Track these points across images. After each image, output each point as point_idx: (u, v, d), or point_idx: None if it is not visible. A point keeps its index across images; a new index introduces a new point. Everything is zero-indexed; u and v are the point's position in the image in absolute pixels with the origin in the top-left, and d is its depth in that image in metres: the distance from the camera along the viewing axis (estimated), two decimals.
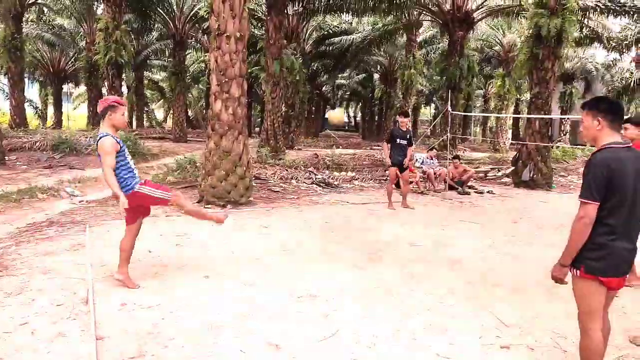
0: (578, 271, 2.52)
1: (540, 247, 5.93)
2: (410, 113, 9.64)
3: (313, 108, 38.18)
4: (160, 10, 20.93)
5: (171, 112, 28.32)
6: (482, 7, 17.89)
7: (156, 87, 41.51)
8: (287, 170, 11.74)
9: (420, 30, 24.20)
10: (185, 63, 25.10)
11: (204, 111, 20.10)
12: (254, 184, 9.17)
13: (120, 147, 3.86)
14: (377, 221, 7.16)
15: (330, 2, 16.38)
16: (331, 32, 25.20)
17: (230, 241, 5.71)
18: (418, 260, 5.23)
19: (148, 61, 31.39)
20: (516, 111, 26.87)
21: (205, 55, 24.08)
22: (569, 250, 2.53)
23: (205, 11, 14.22)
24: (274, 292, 4.09)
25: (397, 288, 4.31)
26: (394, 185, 9.60)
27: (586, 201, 2.43)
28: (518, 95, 24.17)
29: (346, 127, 57.38)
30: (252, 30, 20.51)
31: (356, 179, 11.54)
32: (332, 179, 11.15)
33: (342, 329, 3.43)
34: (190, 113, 40.23)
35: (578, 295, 2.58)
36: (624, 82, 20.96)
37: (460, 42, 17.00)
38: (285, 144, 17.76)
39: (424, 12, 18.76)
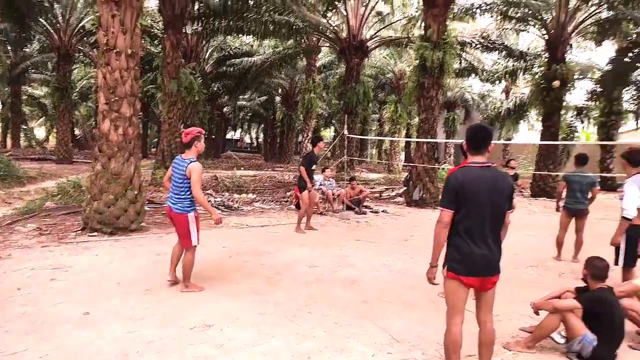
0: (445, 271, 2.94)
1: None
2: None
3: (214, 129, 37.40)
4: (43, 21, 19.19)
5: (54, 130, 25.83)
6: (375, 37, 19.09)
7: (36, 104, 37.69)
8: None
9: (320, 55, 25.10)
10: (72, 78, 23.21)
11: (94, 130, 18.70)
12: (147, 209, 8.65)
13: None
14: (277, 244, 7.11)
15: (231, 24, 16.29)
16: (232, 53, 25.07)
17: (116, 271, 5.27)
18: (316, 281, 5.28)
19: (27, 75, 28.48)
20: (408, 135, 28.82)
21: (95, 71, 22.52)
22: (433, 251, 2.96)
23: (92, 25, 13.37)
24: (165, 325, 3.84)
25: (295, 311, 4.29)
26: (294, 206, 9.76)
27: (441, 208, 2.90)
28: (409, 120, 25.97)
29: (248, 149, 57.20)
30: (148, 47, 19.69)
31: (257, 201, 11.43)
32: (231, 201, 10.92)
33: (237, 358, 3.31)
34: (77, 132, 37.11)
35: (445, 293, 2.99)
36: (496, 110, 23.69)
37: (356, 68, 17.90)
38: None
39: (323, 39, 19.53)
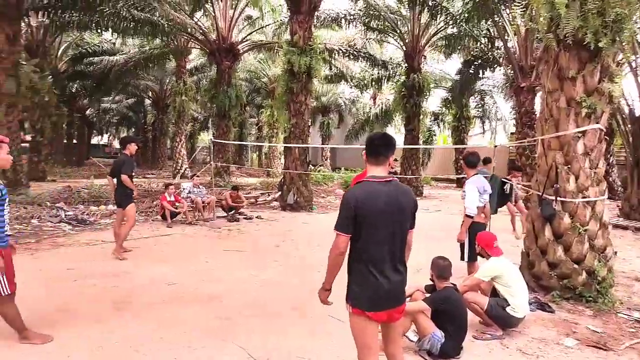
0: (350, 307, 2.53)
1: (298, 269, 6.27)
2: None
3: (74, 133, 33.78)
4: None
5: None
6: (246, 41, 18.85)
7: None
8: (26, 208, 9.81)
9: (191, 57, 24.06)
10: None
11: None
12: None
13: (2, 195, 3.42)
14: (135, 261, 6.48)
15: (84, 18, 14.70)
16: (91, 50, 22.80)
17: None
18: (174, 301, 4.86)
19: None
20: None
21: None
22: (327, 276, 2.60)
23: None
24: None
25: (144, 339, 3.86)
26: (160, 217, 9.11)
27: (338, 232, 2.46)
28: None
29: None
30: None
31: None
32: (87, 214, 9.80)
33: None
34: None
35: (352, 330, 2.57)
36: (365, 115, 25.07)
37: (228, 71, 17.48)
38: (33, 176, 15.03)
39: (192, 40, 18.71)
